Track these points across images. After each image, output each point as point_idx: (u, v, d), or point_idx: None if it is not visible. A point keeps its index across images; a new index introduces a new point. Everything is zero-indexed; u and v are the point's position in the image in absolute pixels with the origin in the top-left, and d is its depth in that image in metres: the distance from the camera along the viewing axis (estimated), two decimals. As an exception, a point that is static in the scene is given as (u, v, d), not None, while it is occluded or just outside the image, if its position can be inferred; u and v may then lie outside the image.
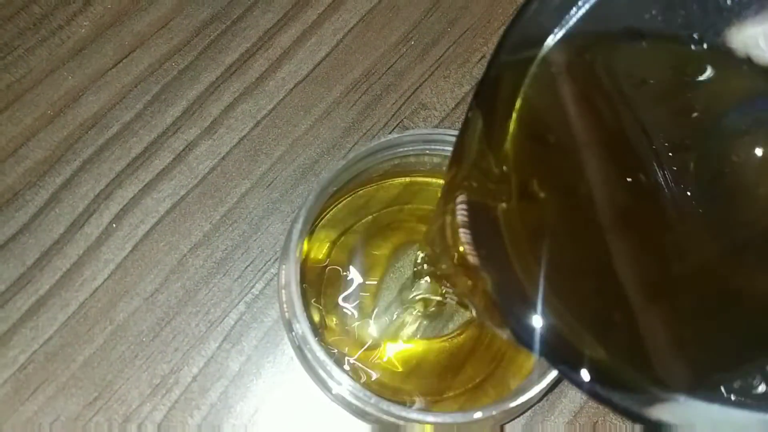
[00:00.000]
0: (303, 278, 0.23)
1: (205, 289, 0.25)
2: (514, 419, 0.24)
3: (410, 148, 0.23)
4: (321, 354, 0.19)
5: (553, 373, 0.20)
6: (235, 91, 0.28)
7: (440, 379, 0.24)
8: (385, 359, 0.24)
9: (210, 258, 0.25)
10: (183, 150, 0.27)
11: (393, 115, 0.29)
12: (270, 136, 0.27)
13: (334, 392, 0.20)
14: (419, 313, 0.25)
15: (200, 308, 0.24)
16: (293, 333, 0.20)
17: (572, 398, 0.25)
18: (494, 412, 0.18)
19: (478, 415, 0.18)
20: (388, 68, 0.29)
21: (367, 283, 0.25)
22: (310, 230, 0.23)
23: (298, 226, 0.20)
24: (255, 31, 0.29)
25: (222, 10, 0.29)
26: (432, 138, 0.23)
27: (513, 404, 0.19)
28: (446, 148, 0.24)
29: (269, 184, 0.27)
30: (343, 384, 0.19)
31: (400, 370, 0.24)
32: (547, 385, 0.19)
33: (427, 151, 0.23)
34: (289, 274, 0.20)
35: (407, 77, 0.29)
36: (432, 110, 0.29)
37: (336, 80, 0.29)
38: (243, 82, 0.28)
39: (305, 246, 0.24)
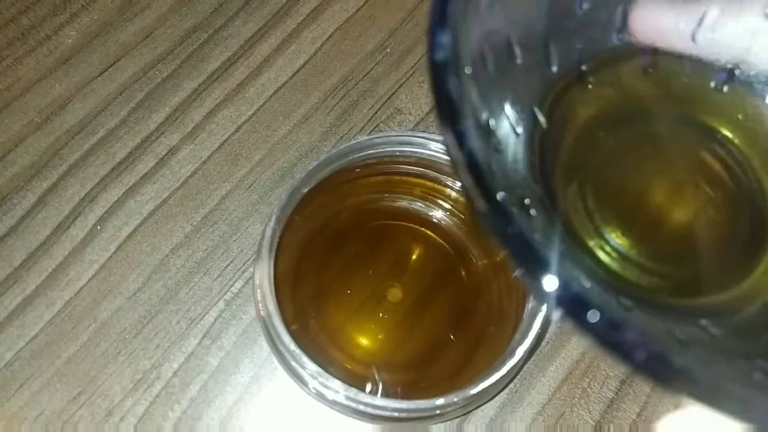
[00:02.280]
0: (278, 276, 0.24)
1: (185, 288, 0.25)
2: (480, 406, 0.25)
3: (382, 150, 0.24)
4: (293, 347, 0.20)
5: (514, 361, 0.20)
6: (217, 98, 0.29)
7: (416, 371, 0.25)
8: (359, 352, 0.25)
9: (191, 258, 0.26)
10: (166, 154, 0.27)
11: (369, 119, 0.30)
12: (250, 141, 0.28)
13: (310, 386, 0.21)
14: (392, 306, 0.25)
15: (181, 306, 0.25)
16: (267, 330, 0.21)
17: (540, 390, 0.26)
18: (456, 399, 0.19)
19: (440, 401, 0.19)
20: (365, 75, 0.30)
21: (343, 278, 0.26)
22: (286, 229, 0.24)
23: (271, 224, 0.21)
24: (236, 40, 0.30)
25: (204, 20, 0.30)
26: (403, 140, 0.24)
27: (474, 391, 0.19)
28: (417, 150, 0.25)
29: (249, 187, 0.27)
30: (315, 375, 0.20)
31: (375, 362, 0.25)
32: (508, 372, 0.20)
33: (398, 153, 0.24)
34: (263, 272, 0.21)
35: (383, 83, 0.30)
36: (407, 115, 0.30)
37: (314, 87, 0.30)
38: (224, 89, 0.29)
39: (281, 245, 0.24)
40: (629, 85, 0.17)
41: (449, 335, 0.25)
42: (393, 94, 0.30)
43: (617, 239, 0.16)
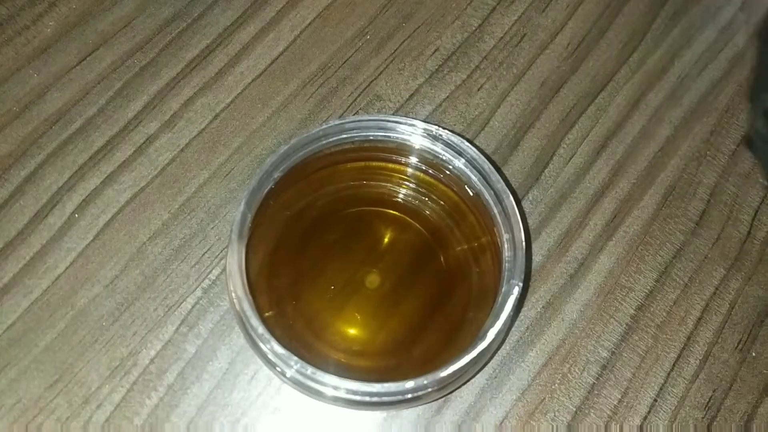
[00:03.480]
0: (255, 263, 0.24)
1: (163, 275, 0.25)
2: (455, 391, 0.25)
3: (355, 135, 0.24)
4: (261, 329, 0.20)
5: (484, 344, 0.20)
6: (195, 86, 0.29)
7: (390, 359, 0.25)
8: (336, 339, 0.24)
9: (168, 245, 0.26)
10: (143, 143, 0.27)
11: (349, 106, 0.29)
12: (228, 129, 0.28)
13: (277, 368, 0.21)
14: (370, 292, 0.25)
15: (158, 294, 0.25)
16: (237, 311, 0.21)
17: (519, 375, 0.26)
18: (425, 382, 0.19)
19: (409, 384, 0.19)
20: (344, 62, 0.30)
21: (320, 265, 0.25)
22: (260, 215, 0.24)
23: (240, 208, 0.21)
24: (215, 29, 0.30)
25: (183, 8, 0.30)
26: (377, 125, 0.24)
27: (444, 374, 0.19)
28: (392, 135, 0.25)
29: (227, 174, 0.27)
30: (282, 357, 0.20)
31: (352, 349, 0.25)
32: (478, 354, 0.20)
33: (371, 138, 0.24)
34: (233, 258, 0.21)
35: (363, 70, 0.30)
36: (386, 101, 0.30)
37: (293, 74, 0.30)
38: (203, 77, 0.29)
39: (257, 232, 0.24)
40: None
41: (428, 321, 0.25)
42: (373, 80, 0.30)
43: None
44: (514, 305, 0.21)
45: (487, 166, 0.23)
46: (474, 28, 0.32)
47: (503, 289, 0.22)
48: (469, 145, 0.24)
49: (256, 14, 0.30)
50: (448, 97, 0.30)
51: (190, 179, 0.27)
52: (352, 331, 0.25)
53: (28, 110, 0.27)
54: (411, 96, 0.30)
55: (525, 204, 0.29)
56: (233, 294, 0.21)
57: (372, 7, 0.31)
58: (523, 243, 0.22)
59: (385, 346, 0.25)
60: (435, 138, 0.24)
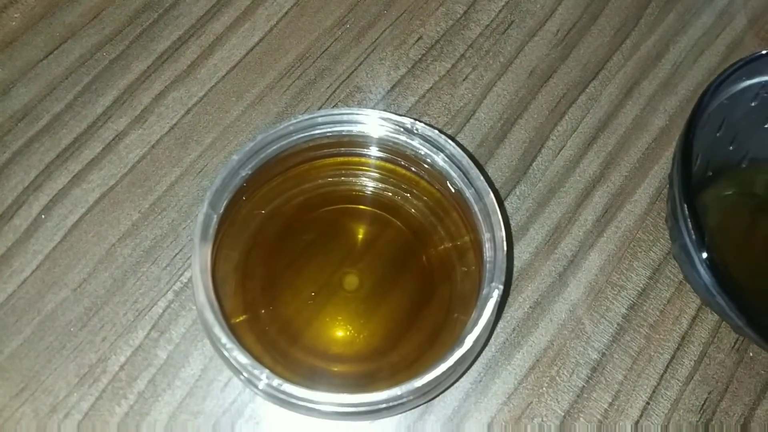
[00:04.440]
0: (227, 265, 0.23)
1: (133, 278, 0.24)
2: (437, 396, 0.24)
3: (328, 129, 0.23)
4: (224, 338, 0.19)
5: (462, 351, 0.19)
6: (167, 80, 0.28)
7: (370, 363, 0.24)
8: (313, 344, 0.24)
9: (138, 247, 0.25)
10: (113, 139, 0.26)
11: (327, 99, 0.28)
12: (201, 124, 0.27)
13: (242, 376, 0.20)
14: (348, 294, 0.24)
15: (128, 297, 0.24)
16: (204, 325, 0.20)
17: (506, 379, 0.25)
18: (399, 392, 0.18)
19: (382, 395, 0.18)
20: (323, 52, 0.29)
21: (296, 266, 0.25)
22: (232, 214, 0.23)
23: (203, 209, 0.20)
24: (187, 19, 0.29)
25: (154, -2, 0.29)
26: (351, 119, 0.23)
27: (419, 383, 0.18)
28: (364, 129, 0.23)
29: (200, 172, 0.26)
30: (247, 367, 0.19)
31: (330, 353, 0.24)
32: (456, 362, 0.19)
33: (345, 132, 0.23)
34: (195, 261, 0.20)
35: (342, 61, 0.29)
36: (367, 93, 0.29)
37: (269, 66, 0.28)
38: (175, 70, 0.28)
39: (229, 231, 0.23)
40: None
41: (410, 323, 0.25)
42: (353, 71, 0.29)
43: None
44: (494, 309, 0.20)
45: (466, 161, 0.22)
46: (459, 15, 0.31)
47: (483, 292, 0.21)
48: (446, 139, 0.23)
49: (231, 3, 0.29)
50: (431, 87, 0.29)
51: (161, 177, 0.26)
52: (330, 336, 0.24)
53: (-7, 107, 0.27)
54: (393, 87, 0.29)
55: (512, 199, 0.28)
56: (197, 301, 0.20)
57: (352, -5, 0.30)
58: (504, 243, 0.21)
59: (365, 351, 0.24)
60: (411, 132, 0.23)
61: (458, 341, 0.20)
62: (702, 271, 0.24)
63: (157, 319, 0.24)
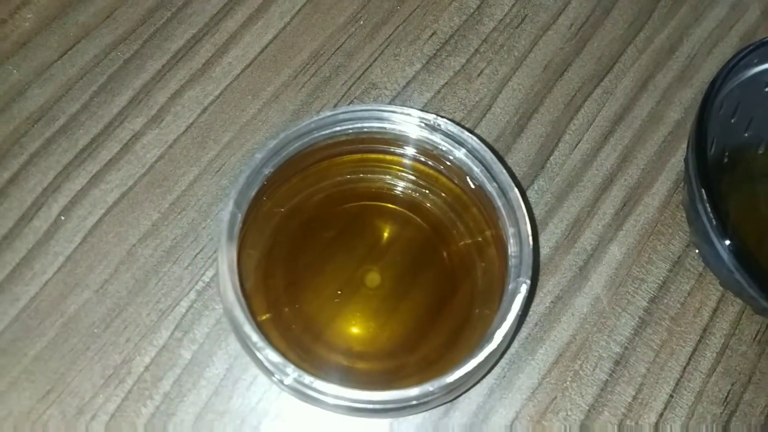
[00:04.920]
0: (249, 264, 0.23)
1: (155, 278, 0.24)
2: (464, 393, 0.24)
3: (349, 126, 0.23)
4: (255, 337, 0.19)
5: (492, 347, 0.19)
6: (182, 78, 0.28)
7: (394, 360, 0.24)
8: (337, 341, 0.24)
9: (159, 247, 0.25)
10: (130, 139, 0.26)
11: (343, 95, 0.28)
12: (218, 122, 0.27)
13: (274, 376, 0.20)
14: (370, 292, 0.24)
15: (151, 298, 0.24)
16: (230, 317, 0.20)
17: (529, 374, 0.25)
18: (431, 388, 0.18)
19: (414, 392, 0.18)
20: (337, 49, 0.29)
21: (318, 264, 0.25)
22: (254, 213, 0.23)
23: (228, 208, 0.20)
24: (201, 17, 0.29)
25: (168, -3, 0.29)
26: (372, 115, 0.23)
27: (450, 379, 0.19)
28: (387, 126, 0.24)
29: (218, 171, 0.26)
30: (279, 366, 0.19)
31: (354, 351, 0.24)
32: (486, 358, 0.19)
33: (366, 129, 0.23)
34: (222, 261, 0.20)
35: (356, 57, 0.29)
36: (382, 89, 0.29)
37: (284, 63, 0.28)
38: (189, 68, 0.28)
39: (251, 230, 0.23)
40: None
41: (432, 319, 0.25)
42: (367, 68, 0.29)
43: None
44: (522, 304, 0.20)
45: (490, 156, 0.22)
46: (472, 10, 0.31)
47: (509, 287, 0.21)
48: (469, 134, 0.23)
49: (244, 1, 0.29)
50: (446, 83, 0.29)
51: (180, 177, 0.26)
52: (353, 333, 0.24)
53: (9, 108, 0.26)
54: (408, 83, 0.29)
55: (530, 194, 0.28)
56: (226, 300, 0.20)
57: (366, -9, 0.30)
58: (530, 238, 0.21)
59: (388, 348, 0.24)
60: (433, 128, 0.23)
61: (487, 336, 0.20)
62: (722, 252, 0.24)
63: (180, 319, 0.24)
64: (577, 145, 0.29)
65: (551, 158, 0.29)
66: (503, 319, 0.20)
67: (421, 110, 0.23)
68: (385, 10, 0.30)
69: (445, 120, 0.23)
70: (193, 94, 0.27)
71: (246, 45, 0.28)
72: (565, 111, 0.29)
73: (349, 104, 0.28)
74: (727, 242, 0.23)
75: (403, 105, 0.28)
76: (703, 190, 0.24)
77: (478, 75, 0.30)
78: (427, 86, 0.29)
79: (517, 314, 0.20)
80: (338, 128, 0.22)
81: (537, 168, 0.28)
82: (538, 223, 0.28)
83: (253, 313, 0.21)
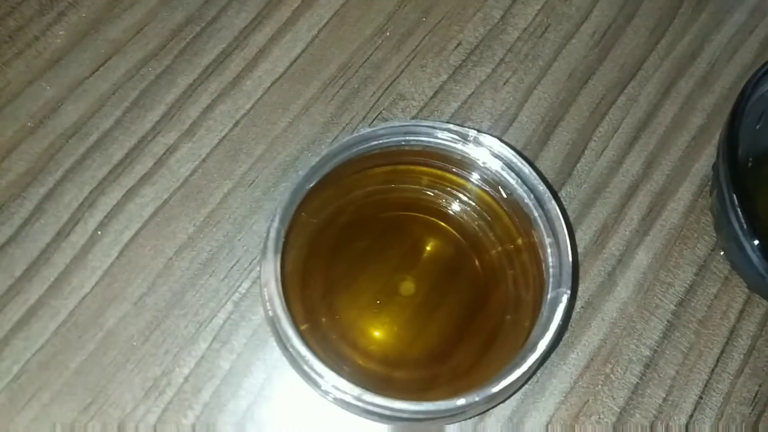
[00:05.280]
0: (286, 275, 0.23)
1: (192, 290, 0.25)
2: (502, 402, 0.24)
3: (386, 141, 0.23)
4: (303, 351, 0.19)
5: (535, 356, 0.20)
6: (213, 92, 0.28)
7: (429, 368, 0.24)
8: (373, 350, 0.24)
9: (195, 259, 0.25)
10: (164, 154, 0.26)
11: (371, 107, 0.29)
12: (249, 136, 0.27)
13: (322, 388, 0.20)
14: (404, 300, 0.24)
15: (188, 310, 0.24)
16: (276, 330, 0.20)
17: (562, 378, 0.25)
18: (477, 398, 0.18)
19: (461, 401, 0.18)
20: (365, 61, 0.29)
21: (352, 274, 0.25)
22: (291, 226, 0.23)
23: (275, 225, 0.20)
24: (230, 32, 0.29)
25: (196, 12, 0.29)
26: (408, 130, 0.23)
27: (495, 389, 0.19)
28: (422, 139, 0.24)
29: (251, 183, 0.26)
30: (328, 379, 0.19)
31: (389, 359, 0.24)
32: (529, 368, 0.19)
33: (403, 143, 0.23)
34: (269, 274, 0.20)
35: (384, 69, 0.29)
36: (410, 101, 0.29)
37: (313, 76, 0.29)
38: (220, 82, 0.28)
39: (287, 242, 0.23)
40: None
41: (465, 327, 0.25)
42: (395, 79, 0.29)
43: None
44: (563, 314, 0.20)
45: (528, 170, 0.23)
46: (496, 20, 0.31)
47: (549, 296, 0.21)
48: (506, 147, 0.23)
49: (272, 15, 0.29)
50: (473, 93, 0.29)
51: (214, 190, 0.26)
52: (389, 342, 0.24)
53: (43, 125, 0.27)
54: (435, 94, 0.29)
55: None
56: (270, 311, 0.20)
57: (390, 3, 0.30)
58: (569, 248, 0.21)
59: (423, 356, 0.24)
60: (471, 142, 0.23)
61: (529, 346, 0.20)
62: (753, 256, 0.24)
63: (218, 330, 0.24)
64: (603, 152, 0.29)
65: (578, 165, 0.29)
66: (545, 329, 0.20)
67: (454, 123, 0.23)
68: (411, 22, 0.30)
69: (481, 133, 0.23)
70: (224, 108, 0.27)
71: (275, 58, 0.29)
72: (591, 118, 0.30)
73: (377, 116, 0.28)
74: (758, 245, 0.24)
75: (431, 115, 0.29)
76: (734, 196, 0.24)
77: (504, 84, 0.30)
78: (454, 96, 0.29)
79: (559, 324, 0.20)
80: (375, 142, 0.22)
81: (564, 175, 0.29)
82: (566, 230, 0.28)
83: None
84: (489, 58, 0.30)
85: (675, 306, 0.27)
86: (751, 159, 0.28)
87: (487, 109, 0.29)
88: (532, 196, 0.23)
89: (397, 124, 0.23)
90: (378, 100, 0.29)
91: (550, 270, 0.22)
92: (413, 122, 0.23)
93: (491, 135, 0.23)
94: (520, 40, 0.31)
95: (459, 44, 0.30)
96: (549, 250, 0.22)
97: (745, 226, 0.24)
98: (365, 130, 0.22)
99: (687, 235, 0.28)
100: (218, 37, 0.29)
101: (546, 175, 0.29)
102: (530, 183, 0.23)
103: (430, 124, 0.23)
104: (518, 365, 0.19)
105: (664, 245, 0.28)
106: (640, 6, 0.32)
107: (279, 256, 0.21)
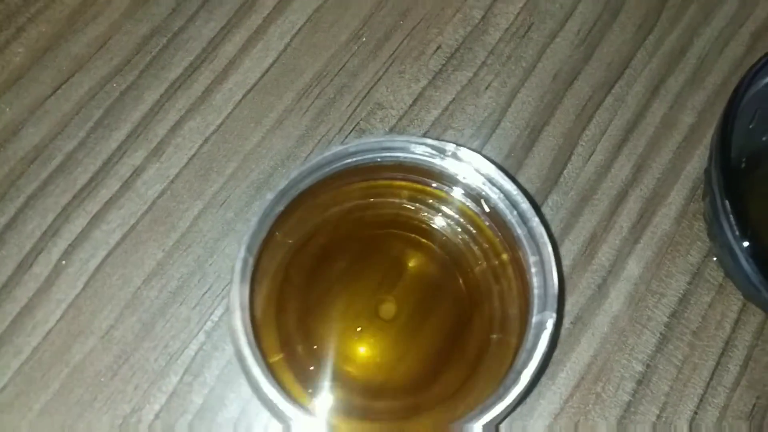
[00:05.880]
0: (260, 302, 0.21)
1: (162, 320, 0.22)
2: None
3: (359, 158, 0.20)
4: (271, 392, 0.17)
5: (519, 388, 0.17)
6: (181, 108, 0.25)
7: (412, 395, 0.22)
8: (353, 378, 0.22)
9: (165, 288, 0.22)
10: (130, 176, 0.24)
11: (348, 117, 0.26)
12: (220, 153, 0.25)
13: (292, 428, 0.18)
14: (385, 324, 0.22)
15: (158, 342, 0.22)
16: (242, 364, 0.18)
17: (551, 399, 0.23)
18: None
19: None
20: (340, 69, 0.26)
21: (330, 297, 0.22)
22: (263, 248, 0.21)
23: (241, 254, 0.18)
24: (198, 43, 0.26)
25: (162, 23, 0.26)
26: (383, 146, 0.21)
27: (477, 424, 0.16)
28: (398, 155, 0.21)
29: (222, 204, 0.24)
30: (297, 421, 0.17)
31: (371, 387, 0.22)
32: (513, 400, 0.17)
33: (378, 159, 0.21)
34: (234, 305, 0.18)
35: (361, 77, 0.26)
36: (389, 110, 0.26)
37: (286, 86, 0.26)
38: (189, 97, 0.25)
39: (260, 268, 0.21)
40: None
41: (449, 349, 0.22)
42: (372, 87, 0.26)
43: None
44: (548, 340, 0.18)
45: (510, 185, 0.20)
46: (477, 21, 0.28)
47: (534, 320, 0.19)
48: (484, 160, 0.20)
49: (241, 23, 0.26)
50: (454, 99, 0.27)
51: (184, 212, 0.23)
52: (370, 369, 0.22)
53: (3, 149, 0.24)
54: (414, 101, 0.26)
55: (545, 210, 0.26)
56: (237, 348, 0.18)
57: (365, 6, 0.27)
58: (554, 270, 0.19)
59: (406, 382, 0.22)
60: (446, 155, 0.21)
61: (513, 375, 0.18)
62: (747, 267, 0.22)
63: (189, 363, 0.22)
64: (590, 156, 0.26)
65: (564, 172, 0.26)
66: (530, 356, 0.18)
67: (435, 132, 0.21)
68: (387, 26, 0.27)
69: (460, 147, 0.20)
70: (193, 124, 0.25)
71: (246, 70, 0.26)
72: (577, 121, 0.27)
73: (354, 127, 0.26)
74: (751, 253, 0.21)
75: (411, 124, 0.26)
76: (727, 203, 0.22)
77: (486, 88, 0.27)
78: (435, 103, 0.27)
79: (545, 352, 0.18)
80: (348, 161, 0.20)
81: (551, 183, 0.26)
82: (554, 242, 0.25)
83: (264, 355, 0.19)
84: (470, 62, 0.27)
85: (668, 317, 0.25)
86: (744, 160, 0.26)
87: (468, 115, 0.27)
88: (515, 212, 0.20)
89: (371, 140, 0.20)
90: (355, 110, 0.26)
91: (535, 291, 0.19)
92: (388, 137, 0.20)
93: (470, 148, 0.21)
94: (502, 41, 0.28)
95: (438, 48, 0.27)
96: (533, 270, 0.19)
97: (738, 234, 0.22)
98: (337, 149, 0.20)
99: (679, 242, 0.26)
100: (186, 48, 0.26)
101: (532, 183, 0.26)
102: (512, 199, 0.20)
103: (406, 138, 0.20)
104: (501, 398, 0.17)
105: (655, 253, 0.25)
106: (626, 0, 0.29)
107: (247, 286, 0.19)
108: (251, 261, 0.19)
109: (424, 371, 0.22)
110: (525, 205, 0.20)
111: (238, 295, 0.17)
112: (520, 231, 0.20)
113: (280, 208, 0.20)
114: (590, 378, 0.23)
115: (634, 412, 0.23)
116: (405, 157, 0.21)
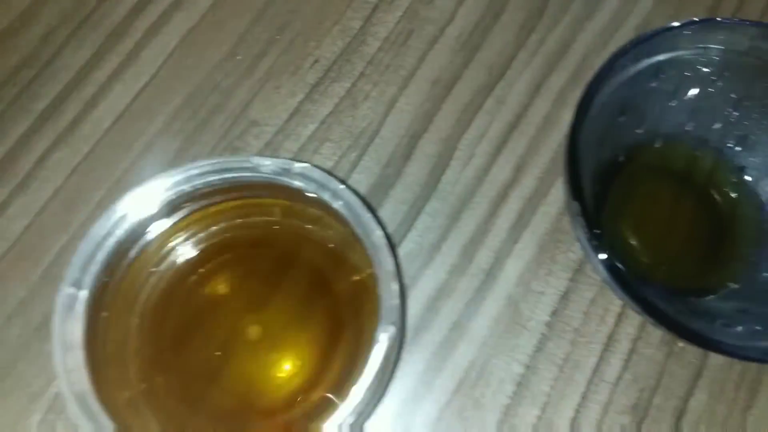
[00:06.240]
0: (112, 333, 0.20)
1: (24, 360, 0.21)
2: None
3: (215, 178, 0.20)
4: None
5: (350, 408, 0.16)
6: (48, 140, 0.24)
7: (287, 413, 0.21)
8: (223, 407, 0.21)
9: (27, 325, 0.22)
10: (-4, 211, 0.23)
11: (221, 137, 0.25)
12: (88, 182, 0.24)
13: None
14: (254, 345, 0.21)
15: (20, 380, 0.21)
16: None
17: (428, 409, 0.22)
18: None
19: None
20: (213, 89, 0.25)
21: (193, 324, 0.21)
22: (117, 278, 0.20)
23: (63, 291, 0.17)
24: (68, 72, 0.25)
25: (32, 52, 0.25)
26: (231, 166, 0.20)
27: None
28: (247, 174, 0.20)
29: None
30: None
31: (240, 417, 0.21)
32: (347, 416, 0.16)
33: (230, 178, 0.20)
34: (56, 339, 0.17)
35: (235, 95, 0.25)
36: (264, 126, 0.25)
37: (157, 110, 0.25)
38: (56, 128, 0.24)
39: (116, 296, 0.20)
40: None
41: (319, 367, 0.22)
42: (247, 104, 0.25)
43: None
44: (384, 356, 0.17)
45: (353, 199, 0.19)
46: (356, 32, 0.27)
47: (376, 333, 0.18)
48: (328, 177, 0.19)
49: (113, 49, 0.26)
50: (331, 112, 0.26)
51: (50, 246, 0.23)
52: (235, 399, 0.21)
53: None
54: (290, 116, 0.25)
55: (423, 218, 0.25)
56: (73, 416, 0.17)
57: (241, 23, 0.27)
58: (392, 283, 0.18)
59: (278, 403, 0.21)
60: (295, 175, 0.20)
61: (343, 396, 0.17)
62: (599, 267, 0.21)
63: (51, 402, 0.21)
64: (469, 160, 0.26)
65: (443, 177, 0.25)
66: (360, 373, 0.17)
67: (304, 143, 0.20)
68: (263, 42, 0.26)
69: (302, 164, 0.20)
70: (60, 155, 0.24)
71: (116, 96, 0.25)
72: (456, 126, 0.26)
73: (227, 146, 0.25)
74: (602, 254, 0.20)
75: (287, 140, 0.25)
76: (575, 203, 0.21)
77: (364, 99, 0.26)
78: (311, 117, 0.26)
79: (379, 367, 0.17)
80: (201, 181, 0.19)
81: (430, 189, 0.25)
82: (431, 248, 0.24)
83: (115, 401, 0.18)
84: (348, 73, 0.26)
85: (548, 316, 0.24)
86: (620, 155, 0.25)
87: (346, 127, 0.26)
88: (361, 226, 0.20)
89: (204, 162, 0.19)
90: (229, 129, 0.25)
91: (383, 303, 0.19)
92: (222, 159, 0.20)
93: (318, 168, 0.20)
94: (381, 51, 0.27)
95: (316, 61, 0.27)
96: (381, 283, 0.19)
97: (587, 233, 0.20)
98: (176, 171, 0.19)
99: (560, 239, 0.25)
100: (56, 78, 0.25)
101: (412, 192, 0.25)
102: (355, 212, 0.19)
103: (245, 159, 0.20)
104: (329, 415, 0.16)
105: (536, 252, 0.25)
106: (508, 1, 0.29)
107: (78, 322, 0.18)
108: (86, 294, 0.18)
109: (294, 391, 0.21)
110: (366, 218, 0.19)
111: (57, 332, 0.16)
112: (366, 244, 0.19)
113: (116, 239, 0.19)
114: (468, 383, 0.23)
115: (513, 414, 0.22)
116: (258, 177, 0.20)
